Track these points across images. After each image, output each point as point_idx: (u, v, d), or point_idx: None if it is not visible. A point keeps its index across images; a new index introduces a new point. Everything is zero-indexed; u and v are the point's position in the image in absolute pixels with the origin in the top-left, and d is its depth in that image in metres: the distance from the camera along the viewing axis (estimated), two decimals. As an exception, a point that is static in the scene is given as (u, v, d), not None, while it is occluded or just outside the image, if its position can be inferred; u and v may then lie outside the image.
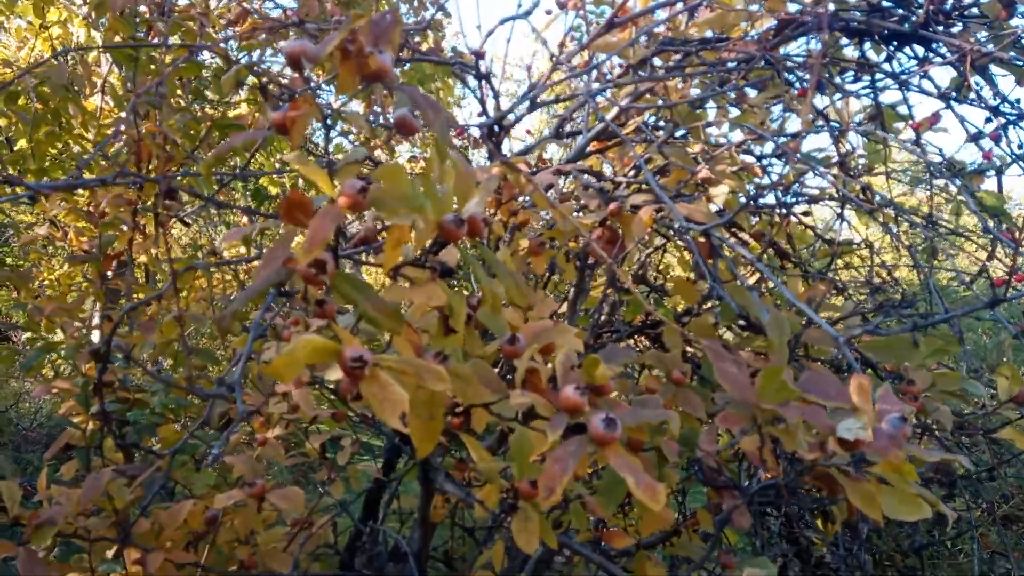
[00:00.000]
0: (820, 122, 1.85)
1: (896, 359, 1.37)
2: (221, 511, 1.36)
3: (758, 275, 2.17)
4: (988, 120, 1.68)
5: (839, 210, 1.82)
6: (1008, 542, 2.26)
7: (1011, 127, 1.85)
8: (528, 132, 3.89)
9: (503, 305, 1.04)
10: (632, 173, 1.67)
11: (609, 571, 1.04)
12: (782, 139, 1.49)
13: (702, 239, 1.46)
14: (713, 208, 1.47)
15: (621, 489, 1.03)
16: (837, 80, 1.92)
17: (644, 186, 1.64)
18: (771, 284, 1.79)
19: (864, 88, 1.90)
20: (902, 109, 1.95)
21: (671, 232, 1.87)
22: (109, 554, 1.41)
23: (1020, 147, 1.88)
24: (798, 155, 1.42)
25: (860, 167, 2.02)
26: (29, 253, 2.48)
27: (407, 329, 0.89)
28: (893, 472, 0.89)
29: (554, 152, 3.63)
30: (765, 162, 1.89)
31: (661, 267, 2.48)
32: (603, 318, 2.10)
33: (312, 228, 0.73)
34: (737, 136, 1.72)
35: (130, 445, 1.44)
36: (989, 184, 2.02)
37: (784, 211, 1.91)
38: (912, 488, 0.88)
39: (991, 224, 1.80)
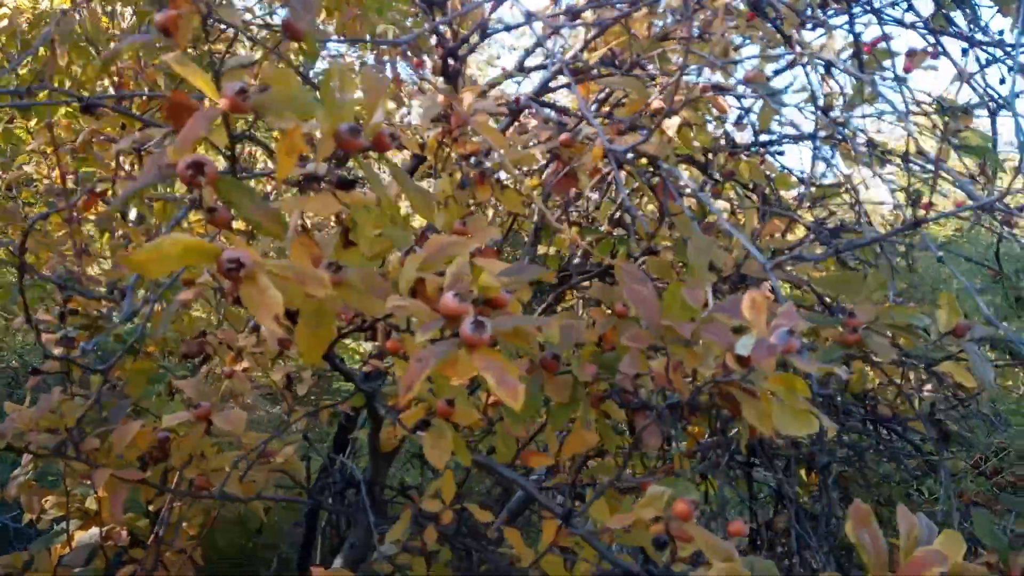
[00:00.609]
0: (802, 58, 1.80)
1: (845, 293, 1.35)
2: (170, 433, 1.39)
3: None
4: (964, 52, 1.62)
5: (815, 149, 1.77)
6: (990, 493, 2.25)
7: (996, 64, 1.79)
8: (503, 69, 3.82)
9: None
10: (595, 107, 1.65)
11: (524, 488, 1.05)
12: (746, 69, 1.46)
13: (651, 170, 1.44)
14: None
15: (532, 407, 1.04)
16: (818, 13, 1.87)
17: (606, 120, 1.61)
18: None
19: (845, 23, 1.84)
20: (890, 46, 1.89)
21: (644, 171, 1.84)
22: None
23: (1001, 82, 1.82)
24: (762, 89, 1.38)
25: (843, 106, 1.96)
26: (20, 192, 2.52)
27: (304, 239, 0.89)
28: (785, 387, 0.89)
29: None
30: (740, 99, 1.85)
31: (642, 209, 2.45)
32: (577, 260, 2.10)
33: (186, 128, 0.73)
34: (706, 71, 1.68)
35: (95, 371, 1.47)
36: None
37: (757, 149, 1.87)
38: (801, 403, 0.87)
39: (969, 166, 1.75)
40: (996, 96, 1.81)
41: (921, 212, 1.43)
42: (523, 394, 0.71)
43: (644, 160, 1.41)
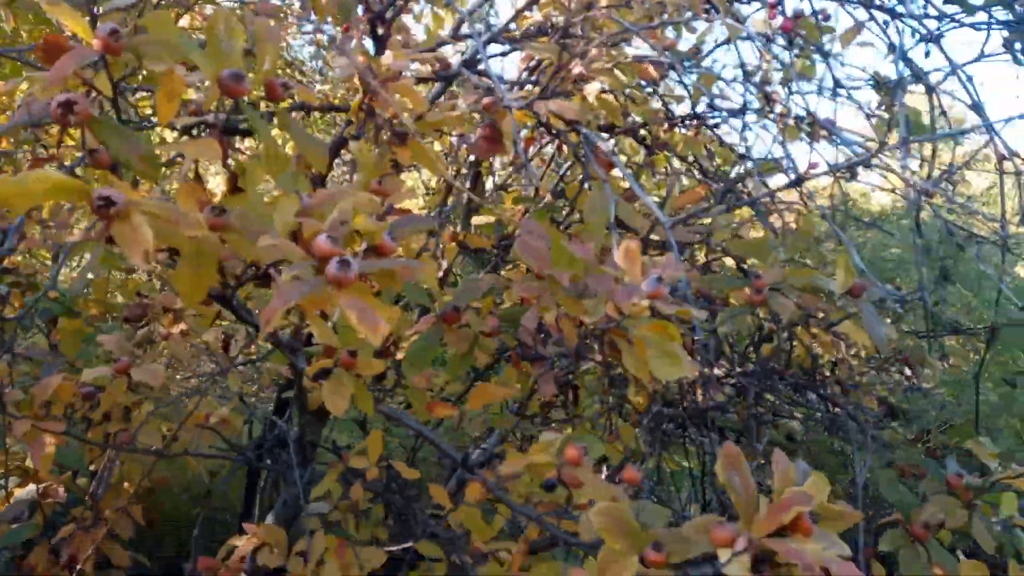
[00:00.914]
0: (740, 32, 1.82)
1: (755, 256, 1.38)
2: (96, 387, 1.42)
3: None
4: (885, 25, 1.65)
5: (744, 123, 1.80)
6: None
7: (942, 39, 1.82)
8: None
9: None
10: (526, 74, 1.67)
11: (424, 435, 1.08)
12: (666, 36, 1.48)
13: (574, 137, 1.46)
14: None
15: (427, 356, 1.07)
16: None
17: (536, 86, 1.63)
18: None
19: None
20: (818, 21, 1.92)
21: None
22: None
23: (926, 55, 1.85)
24: (674, 55, 1.40)
25: (779, 80, 1.99)
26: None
27: (194, 184, 0.91)
28: (658, 333, 0.92)
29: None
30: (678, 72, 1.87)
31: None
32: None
33: (54, 67, 0.75)
34: (639, 40, 1.70)
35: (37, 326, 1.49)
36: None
37: (694, 121, 1.90)
38: (673, 348, 0.90)
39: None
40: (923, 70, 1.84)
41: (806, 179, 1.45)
42: (384, 330, 0.74)
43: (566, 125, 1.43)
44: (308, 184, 0.98)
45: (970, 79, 1.46)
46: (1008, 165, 1.39)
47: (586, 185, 1.46)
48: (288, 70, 2.41)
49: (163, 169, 1.94)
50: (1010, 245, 1.47)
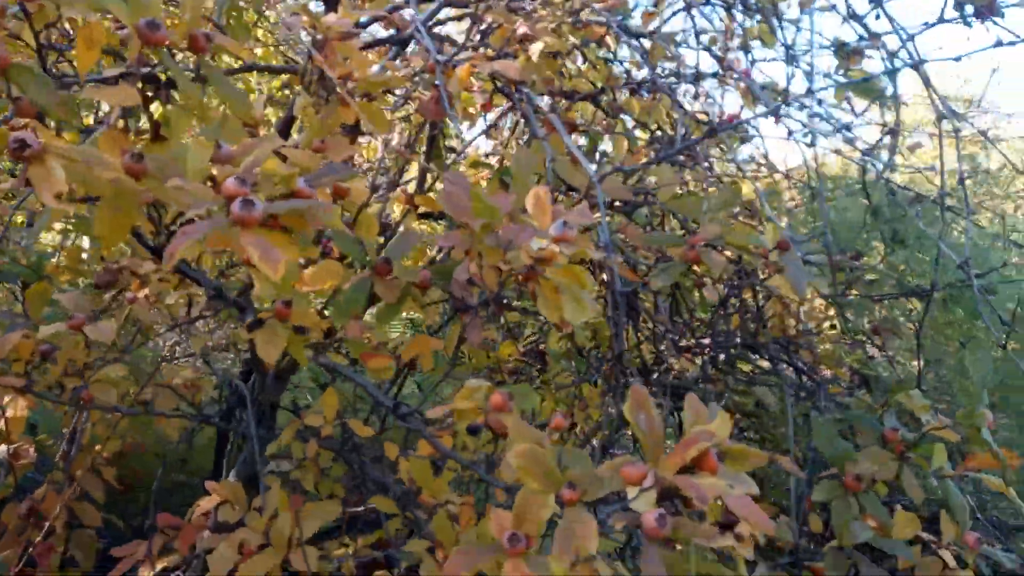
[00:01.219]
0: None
1: (691, 214, 1.41)
2: (54, 345, 1.46)
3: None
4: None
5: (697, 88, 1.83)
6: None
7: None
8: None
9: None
10: (478, 37, 1.69)
11: (358, 382, 1.12)
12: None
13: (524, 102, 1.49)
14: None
15: (354, 304, 1.10)
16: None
17: (489, 49, 1.66)
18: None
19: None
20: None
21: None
22: None
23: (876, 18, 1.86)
24: (616, 12, 1.42)
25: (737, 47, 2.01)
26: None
27: (116, 133, 0.94)
28: (569, 278, 0.95)
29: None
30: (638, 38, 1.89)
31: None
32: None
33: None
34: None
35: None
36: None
37: (653, 87, 1.92)
38: (580, 293, 0.93)
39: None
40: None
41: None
42: (283, 268, 0.77)
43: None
44: (243, 137, 1.01)
45: (911, 38, 1.48)
46: (947, 125, 1.41)
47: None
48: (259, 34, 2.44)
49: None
50: (954, 205, 1.50)
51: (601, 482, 1.02)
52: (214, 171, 0.91)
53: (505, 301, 1.24)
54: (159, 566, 1.75)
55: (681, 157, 1.56)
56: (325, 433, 1.58)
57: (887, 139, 1.53)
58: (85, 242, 2.33)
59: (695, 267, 1.35)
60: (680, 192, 1.53)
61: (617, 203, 1.57)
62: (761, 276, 1.41)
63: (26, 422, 1.88)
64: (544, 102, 1.40)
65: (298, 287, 1.28)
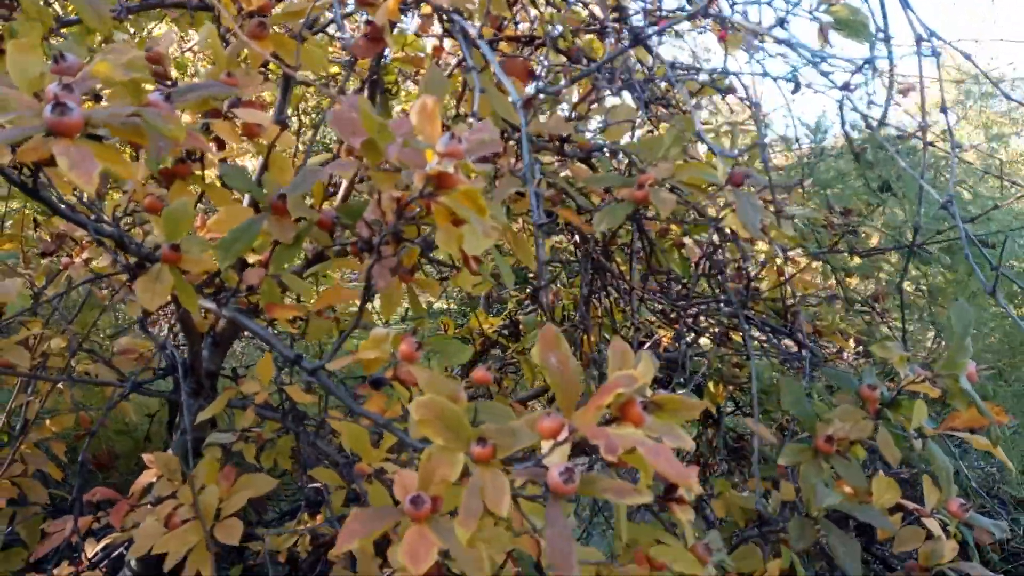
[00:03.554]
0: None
1: (648, 155, 1.29)
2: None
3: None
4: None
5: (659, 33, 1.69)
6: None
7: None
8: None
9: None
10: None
11: (260, 336, 1.01)
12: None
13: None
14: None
15: (239, 244, 1.00)
16: None
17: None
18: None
19: None
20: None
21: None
22: None
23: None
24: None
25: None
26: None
27: None
28: (469, 204, 0.83)
29: None
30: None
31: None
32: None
33: None
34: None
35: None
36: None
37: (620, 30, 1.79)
38: (479, 220, 0.82)
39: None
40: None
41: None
42: (97, 178, 0.67)
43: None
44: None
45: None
46: (927, 47, 1.27)
47: (466, 76, 1.36)
48: None
49: None
50: (937, 141, 1.35)
51: (515, 436, 0.90)
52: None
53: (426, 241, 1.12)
54: (103, 543, 1.68)
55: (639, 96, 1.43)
56: (260, 399, 1.48)
57: (864, 76, 1.39)
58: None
59: (643, 207, 1.23)
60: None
61: (569, 147, 1.44)
62: (714, 215, 1.27)
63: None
64: (474, 30, 1.27)
65: (203, 234, 1.17)
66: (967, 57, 1.27)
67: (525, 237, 1.71)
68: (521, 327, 2.15)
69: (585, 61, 1.51)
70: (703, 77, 1.69)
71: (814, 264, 2.51)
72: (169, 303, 1.72)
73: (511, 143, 1.47)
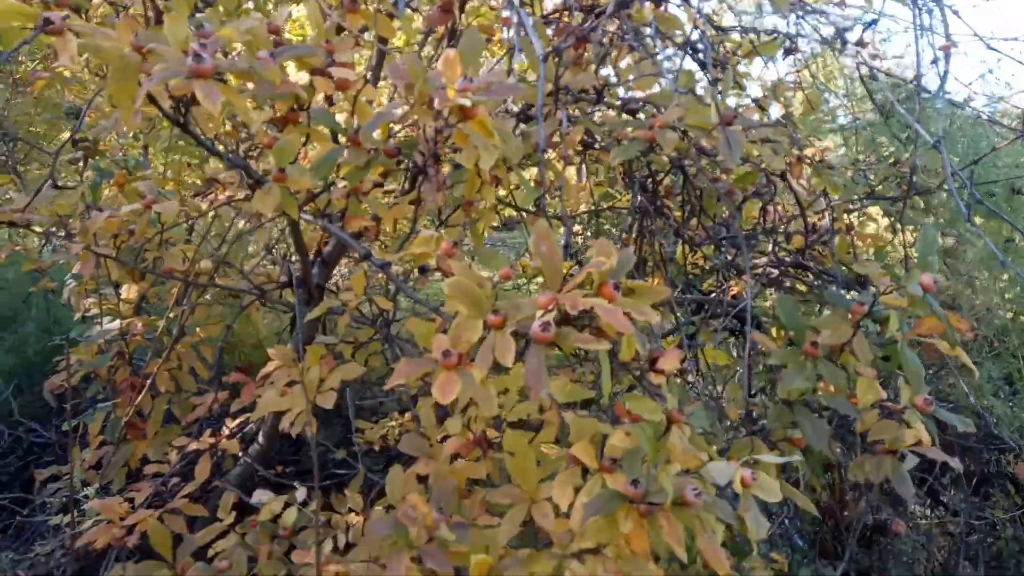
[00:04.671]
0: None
1: (663, 101, 1.52)
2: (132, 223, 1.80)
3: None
4: None
5: None
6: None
7: None
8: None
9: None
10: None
11: (338, 235, 1.35)
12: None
13: None
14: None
15: (327, 166, 1.33)
16: None
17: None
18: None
19: None
20: None
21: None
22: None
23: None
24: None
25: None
26: None
27: (130, 19, 1.21)
28: (480, 128, 1.12)
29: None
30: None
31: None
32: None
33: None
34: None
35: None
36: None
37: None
38: (487, 142, 1.10)
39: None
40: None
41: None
42: (220, 106, 1.01)
43: None
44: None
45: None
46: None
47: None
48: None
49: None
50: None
51: (519, 309, 1.20)
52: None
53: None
54: (236, 421, 2.12)
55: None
56: (353, 306, 1.84)
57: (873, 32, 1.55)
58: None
59: (654, 145, 1.48)
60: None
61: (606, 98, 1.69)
62: (707, 148, 1.50)
63: (136, 304, 2.29)
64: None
65: (304, 163, 1.53)
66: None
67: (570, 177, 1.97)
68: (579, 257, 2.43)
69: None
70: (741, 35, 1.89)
71: (876, 217, 2.62)
72: (285, 228, 2.11)
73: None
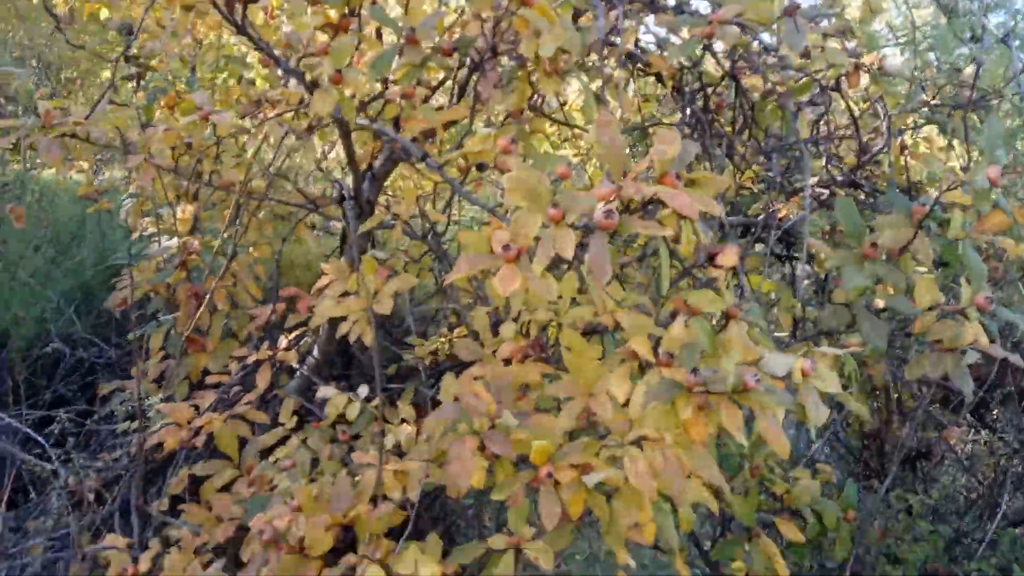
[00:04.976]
0: None
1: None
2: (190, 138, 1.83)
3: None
4: None
5: None
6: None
7: None
8: None
9: None
10: None
11: (394, 138, 1.36)
12: None
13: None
14: None
15: (384, 64, 1.33)
16: None
17: None
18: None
19: None
20: None
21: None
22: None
23: None
24: None
25: None
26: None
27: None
28: (541, 13, 1.11)
29: None
30: None
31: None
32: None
33: None
34: None
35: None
36: None
37: None
38: (549, 27, 1.10)
39: None
40: None
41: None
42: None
43: None
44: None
45: None
46: None
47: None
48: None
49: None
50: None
51: (579, 202, 1.20)
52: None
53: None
54: (291, 336, 2.18)
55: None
56: (404, 217, 1.86)
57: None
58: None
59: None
60: None
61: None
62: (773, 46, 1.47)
63: (191, 222, 2.35)
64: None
65: (358, 66, 1.53)
66: None
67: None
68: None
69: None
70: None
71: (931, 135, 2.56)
72: (336, 142, 2.13)
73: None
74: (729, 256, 1.28)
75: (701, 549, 2.51)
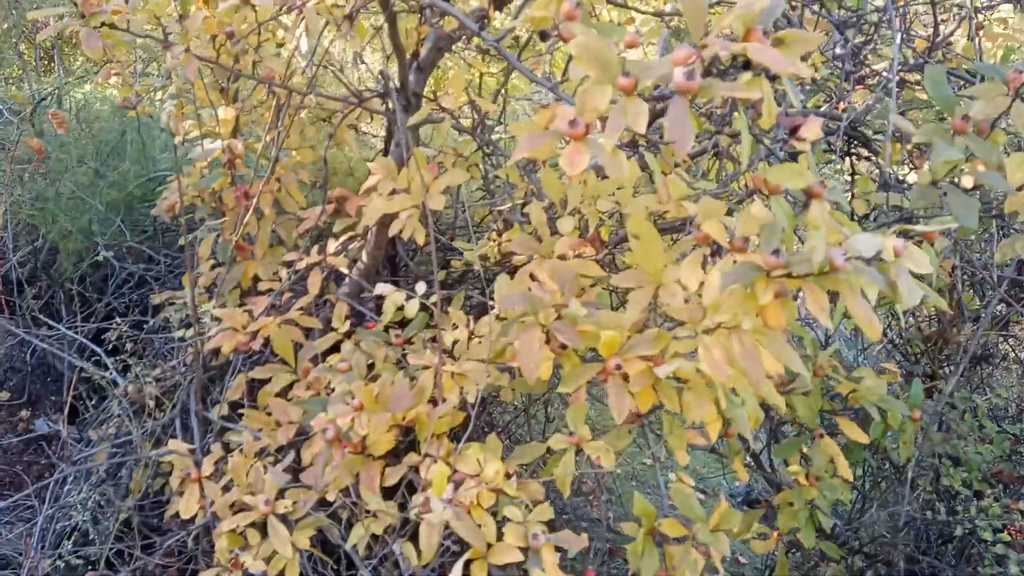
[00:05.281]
0: None
1: None
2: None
3: None
4: None
5: None
6: None
7: None
8: None
9: None
10: None
11: (450, 11, 1.27)
12: None
13: None
14: None
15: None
16: None
17: None
18: None
19: None
20: None
21: None
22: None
23: None
24: None
25: None
26: None
27: None
28: None
29: None
30: None
31: None
32: None
33: None
34: None
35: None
36: None
37: None
38: None
39: None
40: None
41: None
42: None
43: None
44: None
45: None
46: None
47: None
48: None
49: None
50: None
51: (651, 69, 1.11)
52: None
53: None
54: (340, 241, 2.13)
55: None
56: (453, 108, 1.78)
57: None
58: None
59: None
60: None
61: None
62: None
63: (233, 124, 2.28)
64: None
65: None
66: None
67: None
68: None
69: None
70: None
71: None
72: (380, 28, 2.02)
73: None
74: (813, 128, 1.18)
75: (754, 455, 2.49)
